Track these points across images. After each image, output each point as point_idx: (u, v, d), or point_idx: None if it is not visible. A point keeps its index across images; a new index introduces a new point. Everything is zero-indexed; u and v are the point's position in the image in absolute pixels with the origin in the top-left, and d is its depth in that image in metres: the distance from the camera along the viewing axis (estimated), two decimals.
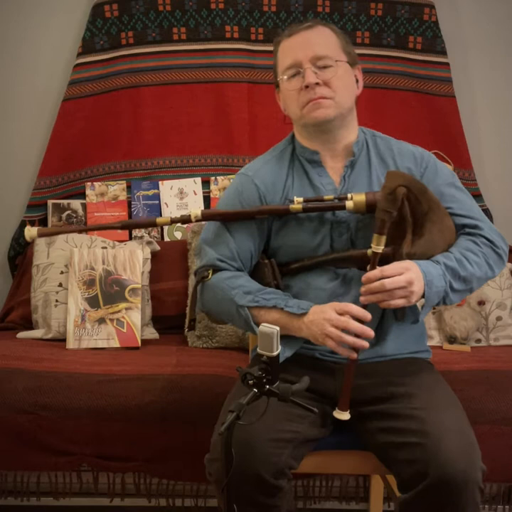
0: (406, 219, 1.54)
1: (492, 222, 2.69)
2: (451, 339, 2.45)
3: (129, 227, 1.96)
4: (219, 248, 1.66)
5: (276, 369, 1.27)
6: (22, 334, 2.46)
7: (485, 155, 2.85)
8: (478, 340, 2.48)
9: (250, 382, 1.27)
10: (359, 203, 1.58)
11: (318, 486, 2.16)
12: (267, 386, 1.26)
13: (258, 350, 1.27)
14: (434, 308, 2.49)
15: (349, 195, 1.59)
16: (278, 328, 1.26)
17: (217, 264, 1.65)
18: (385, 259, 1.53)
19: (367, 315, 1.50)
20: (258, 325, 1.53)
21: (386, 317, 1.62)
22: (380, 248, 1.51)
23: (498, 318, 2.47)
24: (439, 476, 1.38)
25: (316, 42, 1.62)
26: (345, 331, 1.49)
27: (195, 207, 2.77)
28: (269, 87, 2.81)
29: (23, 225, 2.76)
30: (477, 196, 2.75)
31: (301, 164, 1.68)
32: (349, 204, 1.58)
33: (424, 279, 1.51)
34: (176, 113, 2.79)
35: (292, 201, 1.61)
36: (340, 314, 1.50)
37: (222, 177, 2.79)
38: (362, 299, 1.51)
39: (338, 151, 1.66)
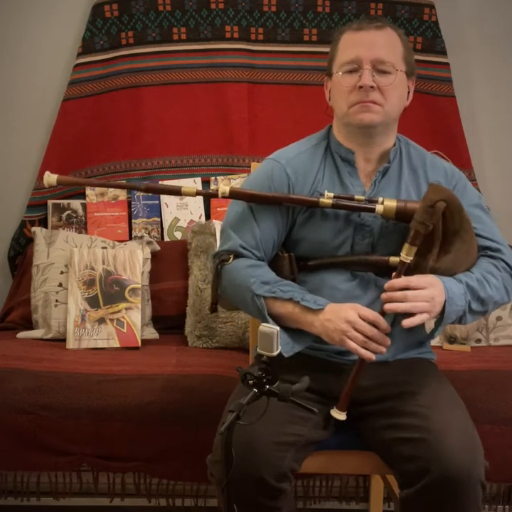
0: (436, 233, 1.53)
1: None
2: (451, 339, 2.45)
3: (153, 191, 1.91)
4: (243, 234, 1.63)
5: (276, 369, 1.27)
6: (22, 334, 2.46)
7: (485, 155, 2.85)
8: (478, 340, 2.48)
9: (250, 382, 1.27)
10: (389, 209, 1.57)
11: (318, 486, 2.16)
12: (267, 386, 1.26)
13: (258, 350, 1.27)
14: None
15: (380, 199, 1.58)
16: (278, 328, 1.26)
17: (240, 251, 1.63)
18: (407, 269, 1.53)
19: (389, 328, 1.51)
20: (271, 316, 1.55)
21: (396, 323, 1.59)
22: (409, 258, 1.51)
23: (498, 318, 2.47)
24: (442, 472, 1.38)
25: (382, 45, 1.58)
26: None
27: (196, 207, 2.77)
28: (269, 87, 2.84)
29: (23, 225, 2.76)
30: None
31: (333, 161, 1.67)
32: (379, 208, 1.57)
33: (446, 296, 1.51)
34: (176, 113, 2.79)
35: (323, 195, 1.60)
36: (364, 320, 1.49)
37: (222, 177, 2.79)
38: (387, 306, 1.50)
39: (373, 155, 1.65)
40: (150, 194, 2.75)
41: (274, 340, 1.26)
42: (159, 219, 2.77)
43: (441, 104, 2.77)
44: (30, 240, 2.70)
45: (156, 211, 2.78)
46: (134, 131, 2.79)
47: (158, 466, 1.96)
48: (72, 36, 2.77)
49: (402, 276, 1.52)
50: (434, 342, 2.44)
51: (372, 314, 1.50)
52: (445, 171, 1.68)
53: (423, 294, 1.48)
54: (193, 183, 2.79)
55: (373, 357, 1.50)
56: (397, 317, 1.58)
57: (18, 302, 2.62)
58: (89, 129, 2.76)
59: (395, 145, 1.67)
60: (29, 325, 2.53)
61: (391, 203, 1.57)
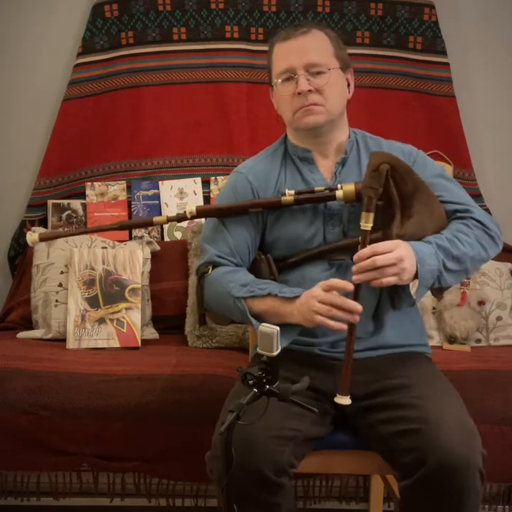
0: (393, 200, 1.57)
1: None
2: (451, 339, 2.45)
3: (126, 227, 2.01)
4: (217, 245, 1.69)
5: (276, 369, 1.27)
6: (22, 334, 2.46)
7: (485, 155, 2.85)
8: (478, 340, 2.48)
9: (250, 382, 1.27)
10: (349, 192, 1.61)
11: (318, 486, 2.16)
12: (267, 386, 1.26)
13: (258, 350, 1.28)
14: (433, 308, 2.50)
15: (339, 185, 1.63)
16: (278, 328, 1.27)
17: (217, 260, 1.68)
18: (374, 243, 1.54)
19: (348, 285, 1.51)
20: (255, 316, 1.58)
21: (382, 304, 1.64)
22: (368, 226, 1.53)
23: (498, 318, 2.47)
24: (439, 461, 1.39)
25: (310, 49, 1.65)
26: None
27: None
28: (269, 87, 2.82)
29: (23, 225, 2.76)
30: (477, 196, 2.75)
31: (293, 162, 1.73)
32: (339, 193, 1.62)
33: (416, 257, 1.52)
34: (176, 113, 2.79)
35: (284, 194, 1.65)
36: (327, 291, 1.52)
37: (222, 177, 2.78)
38: (354, 277, 1.52)
39: (328, 151, 1.71)
40: (150, 194, 2.77)
41: (274, 340, 1.26)
42: None
43: (441, 104, 2.77)
44: None
45: (156, 211, 2.78)
46: (134, 131, 2.79)
47: (158, 466, 1.96)
48: (72, 36, 2.77)
49: (367, 245, 1.53)
50: (434, 342, 2.45)
51: (330, 280, 1.52)
52: (402, 151, 1.71)
53: (391, 256, 1.49)
54: (194, 183, 2.79)
55: (344, 326, 1.51)
56: (381, 301, 1.61)
57: (18, 302, 2.62)
58: (89, 129, 2.76)
59: (349, 138, 1.72)
60: (29, 325, 2.53)
61: (349, 187, 1.62)
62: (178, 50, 2.78)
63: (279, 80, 1.67)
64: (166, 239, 2.76)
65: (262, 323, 1.30)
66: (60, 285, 2.47)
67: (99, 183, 2.77)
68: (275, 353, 1.26)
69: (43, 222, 2.76)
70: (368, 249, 1.51)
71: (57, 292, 2.47)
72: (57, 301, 2.46)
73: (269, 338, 1.26)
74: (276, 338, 1.26)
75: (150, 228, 2.75)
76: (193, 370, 2.13)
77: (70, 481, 2.08)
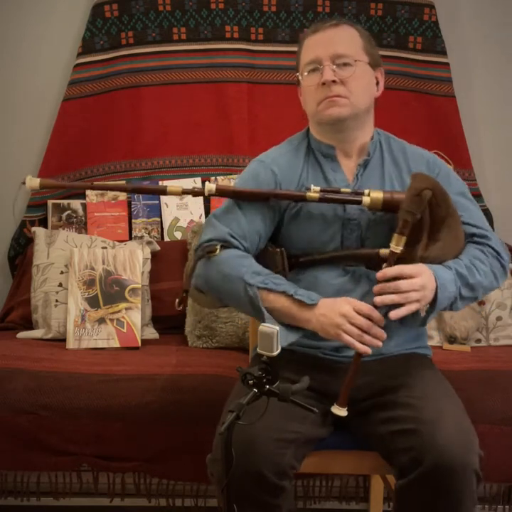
0: (424, 222, 1.55)
1: (492, 223, 2.72)
2: (451, 339, 2.45)
3: (138, 191, 1.90)
4: (230, 223, 1.63)
5: (276, 369, 1.27)
6: (22, 334, 2.46)
7: (485, 155, 2.85)
8: (478, 340, 2.48)
9: (250, 382, 1.27)
10: (376, 200, 1.58)
11: (318, 486, 2.16)
12: (267, 386, 1.26)
13: (258, 350, 1.27)
14: None
15: (366, 191, 1.60)
16: (278, 328, 1.26)
17: (228, 239, 1.62)
18: (396, 260, 1.53)
19: (383, 320, 1.51)
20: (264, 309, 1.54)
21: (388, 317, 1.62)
22: (399, 248, 1.52)
23: (498, 318, 2.47)
24: (435, 461, 1.38)
25: (339, 40, 1.63)
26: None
27: (196, 207, 2.77)
28: (269, 87, 2.83)
29: (23, 225, 2.76)
30: (477, 196, 2.74)
31: (315, 158, 1.69)
32: (366, 200, 1.59)
33: (437, 283, 1.52)
34: (176, 113, 2.79)
35: (309, 189, 1.61)
36: (358, 313, 1.50)
37: (222, 177, 2.79)
38: (377, 299, 1.50)
39: (351, 151, 1.68)
40: (150, 194, 2.76)
41: (274, 340, 1.26)
42: (159, 219, 2.77)
43: (441, 104, 2.77)
44: (30, 240, 2.70)
45: (156, 211, 2.78)
46: (134, 131, 2.79)
47: (158, 466, 1.96)
48: (72, 36, 2.77)
49: (393, 266, 1.52)
50: (434, 342, 2.45)
51: (367, 307, 1.51)
52: (427, 161, 1.70)
53: (415, 283, 1.49)
54: (194, 183, 2.79)
55: (369, 351, 1.50)
56: (390, 309, 1.58)
57: (18, 302, 2.62)
58: (89, 129, 2.76)
59: (373, 138, 1.69)
60: (29, 325, 2.53)
61: (378, 195, 1.59)
62: (178, 50, 2.78)
63: (305, 72, 1.65)
64: (166, 239, 2.76)
65: (262, 323, 1.30)
66: (60, 285, 2.47)
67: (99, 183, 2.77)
68: (275, 353, 1.26)
69: (43, 222, 2.76)
70: (395, 269, 1.50)
71: (57, 292, 2.47)
72: (57, 301, 2.46)
73: (269, 338, 1.26)
74: (276, 338, 1.26)
75: (150, 228, 2.75)
76: (193, 370, 2.13)
77: (70, 481, 2.07)
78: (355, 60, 1.62)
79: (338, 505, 2.20)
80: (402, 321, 1.58)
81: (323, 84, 1.60)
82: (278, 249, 1.66)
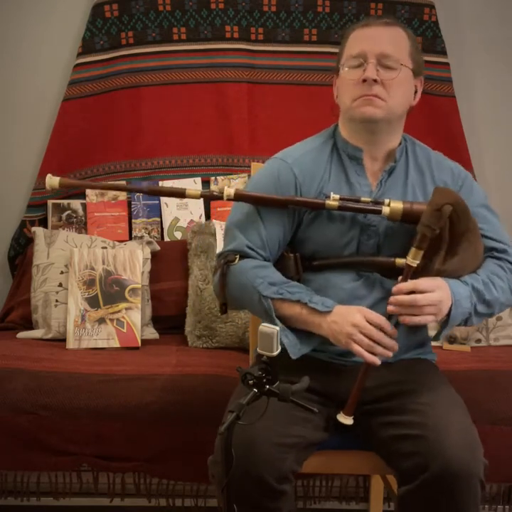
0: (443, 236, 1.53)
1: None
2: (451, 339, 2.45)
3: (156, 193, 1.87)
4: (249, 234, 1.62)
5: (276, 369, 1.27)
6: (22, 334, 2.46)
7: (485, 155, 2.84)
8: (478, 340, 2.48)
9: (250, 382, 1.27)
10: (396, 211, 1.56)
11: (318, 486, 2.16)
12: (267, 386, 1.26)
13: (258, 350, 1.27)
14: None
15: (386, 201, 1.58)
16: (278, 328, 1.26)
17: (246, 251, 1.62)
18: (413, 272, 1.52)
19: (395, 332, 1.51)
20: (278, 317, 1.54)
21: (397, 324, 1.59)
22: (416, 262, 1.50)
23: (498, 318, 2.47)
24: (441, 468, 1.38)
25: (388, 40, 1.59)
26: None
27: (196, 207, 2.77)
28: (269, 87, 2.83)
29: (23, 225, 2.76)
30: None
31: (340, 159, 1.66)
32: (386, 210, 1.57)
33: (452, 299, 1.51)
34: (176, 113, 2.78)
35: (329, 197, 1.59)
36: (370, 323, 1.49)
37: (222, 177, 2.79)
38: (391, 308, 1.50)
39: (378, 155, 1.65)
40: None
41: (274, 340, 1.25)
42: (159, 219, 2.77)
43: (441, 104, 2.77)
44: (30, 240, 2.70)
45: (156, 211, 2.78)
46: (134, 131, 2.79)
47: (158, 466, 1.96)
48: (72, 36, 2.77)
49: (409, 279, 1.51)
50: (434, 342, 2.45)
51: (379, 318, 1.50)
52: (452, 171, 1.68)
53: (431, 298, 1.48)
54: (193, 183, 2.79)
55: (378, 361, 1.50)
56: (397, 323, 1.58)
57: (18, 302, 2.62)
58: (89, 129, 2.75)
59: (400, 144, 1.66)
60: (29, 325, 2.53)
61: (397, 205, 1.57)
62: (178, 50, 2.78)
63: (347, 66, 1.60)
64: (166, 239, 2.76)
65: (262, 323, 1.30)
66: (60, 285, 2.47)
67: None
68: (275, 353, 1.26)
69: (43, 222, 2.76)
70: (410, 284, 1.49)
71: (57, 292, 2.47)
72: (57, 301, 2.46)
73: (269, 338, 1.26)
74: (276, 338, 1.25)
75: (150, 228, 2.75)
76: (193, 370, 2.12)
77: (70, 481, 2.07)
78: (401, 64, 1.58)
79: (338, 505, 2.20)
80: (414, 332, 1.58)
81: (364, 81, 1.56)
82: (291, 255, 1.65)
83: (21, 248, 2.76)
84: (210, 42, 2.77)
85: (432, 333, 1.71)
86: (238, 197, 1.62)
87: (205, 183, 2.80)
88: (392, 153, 1.65)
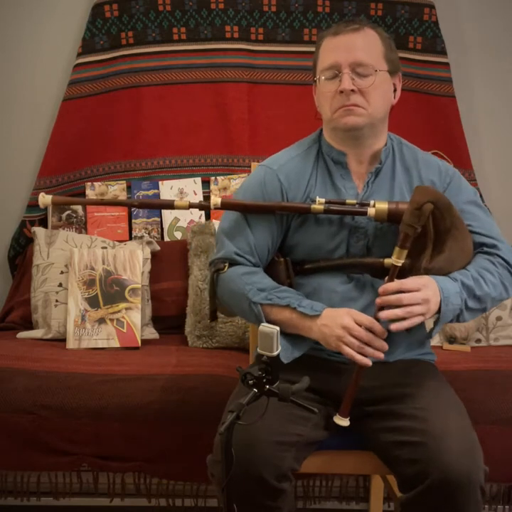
0: (428, 234, 1.54)
1: None
2: (451, 339, 2.45)
3: (146, 206, 1.91)
4: (237, 241, 1.64)
5: (276, 369, 1.27)
6: (22, 334, 2.46)
7: (485, 155, 2.85)
8: (478, 340, 2.48)
9: (250, 382, 1.27)
10: (381, 211, 1.57)
11: (318, 486, 2.16)
12: (267, 386, 1.26)
13: (258, 350, 1.27)
14: None
15: (372, 202, 1.58)
16: (278, 328, 1.26)
17: (235, 257, 1.64)
18: (401, 272, 1.52)
19: (385, 333, 1.51)
20: (270, 322, 1.52)
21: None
22: (400, 261, 1.51)
23: (498, 318, 2.47)
24: (441, 476, 1.38)
25: (359, 47, 1.58)
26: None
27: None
28: (269, 87, 2.83)
29: (23, 225, 2.76)
30: None
31: (325, 164, 1.67)
32: (371, 211, 1.57)
33: (441, 296, 1.50)
34: (176, 113, 2.79)
35: (314, 201, 1.60)
36: (359, 325, 1.50)
37: (222, 177, 2.78)
38: (382, 315, 1.50)
39: (364, 157, 1.65)
40: (150, 194, 2.76)
41: (274, 340, 1.26)
42: (159, 219, 2.77)
43: (441, 104, 2.77)
44: (30, 240, 2.70)
45: (156, 211, 2.78)
46: (134, 131, 2.79)
47: (158, 466, 1.96)
48: (72, 36, 2.77)
49: (395, 279, 1.51)
50: (434, 342, 2.45)
51: (368, 319, 1.50)
52: (439, 169, 1.68)
53: (417, 297, 1.48)
54: (194, 183, 2.79)
55: (369, 363, 1.50)
56: (393, 321, 1.57)
57: (18, 302, 2.62)
58: (89, 129, 2.75)
59: (386, 145, 1.67)
60: (29, 325, 2.53)
61: (383, 206, 1.58)
62: (178, 50, 2.78)
63: (323, 77, 1.61)
64: (166, 239, 2.76)
65: (262, 324, 1.30)
66: (60, 285, 2.47)
67: (99, 183, 2.77)
68: (275, 353, 1.26)
69: (43, 222, 2.76)
70: (396, 284, 1.49)
71: (57, 292, 2.47)
72: (57, 301, 2.46)
73: (269, 338, 1.26)
74: (276, 338, 1.25)
75: (150, 228, 2.75)
76: (194, 370, 2.13)
77: (70, 481, 2.07)
78: (376, 70, 1.58)
79: (338, 505, 2.20)
80: (409, 331, 1.56)
81: (341, 92, 1.57)
82: (282, 260, 1.66)
83: (21, 248, 2.76)
84: (210, 42, 2.77)
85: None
86: (225, 205, 1.65)
87: (205, 183, 2.80)
88: (378, 155, 1.65)
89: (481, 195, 2.77)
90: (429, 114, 2.78)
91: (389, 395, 1.57)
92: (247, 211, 1.64)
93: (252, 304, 1.57)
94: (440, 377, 1.67)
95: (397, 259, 1.51)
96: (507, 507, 2.10)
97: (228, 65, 2.77)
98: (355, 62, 1.57)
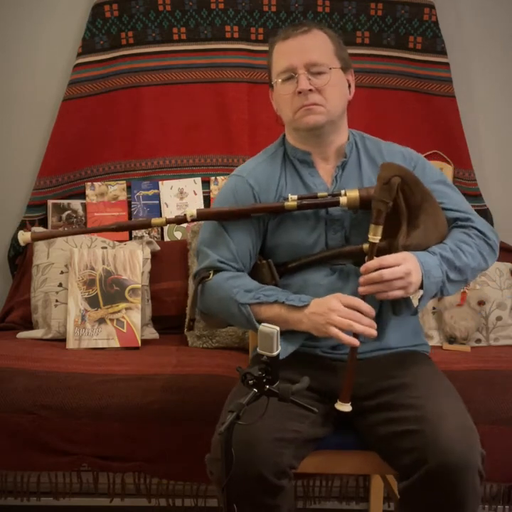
0: (400, 210, 1.57)
1: (492, 223, 2.72)
2: (451, 339, 2.45)
3: (124, 228, 1.99)
4: (219, 250, 1.68)
5: (276, 369, 1.27)
6: (22, 334, 2.46)
7: (485, 155, 2.85)
8: (478, 340, 2.48)
9: (250, 382, 1.27)
10: (353, 199, 1.61)
11: (318, 486, 2.16)
12: (267, 386, 1.26)
13: (258, 350, 1.27)
14: (434, 308, 2.50)
15: (342, 192, 1.62)
16: (278, 328, 1.27)
17: (219, 265, 1.66)
18: (381, 253, 1.54)
19: (372, 311, 1.52)
20: (260, 322, 1.54)
21: (383, 310, 1.63)
22: (377, 238, 1.53)
23: (498, 318, 2.47)
24: (439, 461, 1.39)
25: (311, 48, 1.64)
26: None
27: (196, 207, 2.76)
28: (269, 87, 2.83)
29: (23, 225, 2.76)
30: (477, 196, 2.75)
31: (293, 165, 1.72)
32: (343, 200, 1.61)
33: (422, 270, 1.53)
34: (176, 113, 2.79)
35: (287, 199, 1.64)
36: (346, 306, 1.51)
37: (222, 177, 2.78)
38: (361, 289, 1.52)
39: (329, 154, 1.70)
40: (150, 194, 2.77)
41: (274, 340, 1.26)
42: None
43: (441, 104, 2.77)
44: None
45: (156, 211, 2.78)
46: (134, 131, 2.79)
47: (158, 466, 1.96)
48: (72, 36, 2.77)
49: (375, 257, 1.53)
50: (434, 342, 2.45)
51: (354, 299, 1.53)
52: (402, 155, 1.72)
53: (398, 271, 1.50)
54: (194, 183, 2.79)
55: (357, 342, 1.51)
56: (383, 306, 1.61)
57: (18, 302, 2.62)
58: (89, 129, 2.76)
59: (349, 139, 1.71)
60: (29, 325, 2.53)
61: (354, 193, 1.61)
62: (178, 50, 2.78)
63: (279, 80, 1.66)
64: (166, 239, 2.76)
65: (262, 324, 1.30)
66: (60, 285, 2.47)
67: (99, 183, 2.77)
68: (275, 353, 1.26)
69: (43, 222, 2.76)
70: (376, 261, 1.51)
71: (57, 292, 2.47)
72: (57, 301, 2.46)
73: (269, 338, 1.26)
74: (276, 338, 1.26)
75: (150, 228, 2.75)
76: (193, 370, 2.13)
77: (70, 481, 2.08)
78: (330, 68, 1.64)
79: (338, 505, 2.20)
80: (395, 310, 1.60)
81: (299, 93, 1.62)
82: (264, 261, 1.69)
83: (21, 248, 2.76)
84: (210, 42, 2.77)
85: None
86: (201, 216, 1.69)
87: (205, 183, 2.80)
88: (342, 150, 1.70)
89: (480, 195, 2.78)
90: (429, 114, 2.78)
91: (384, 388, 1.58)
92: (222, 218, 1.68)
93: (240, 306, 1.59)
94: (434, 367, 1.69)
95: (373, 236, 1.53)
96: (507, 507, 2.10)
97: (228, 65, 2.77)
98: (309, 63, 1.63)
